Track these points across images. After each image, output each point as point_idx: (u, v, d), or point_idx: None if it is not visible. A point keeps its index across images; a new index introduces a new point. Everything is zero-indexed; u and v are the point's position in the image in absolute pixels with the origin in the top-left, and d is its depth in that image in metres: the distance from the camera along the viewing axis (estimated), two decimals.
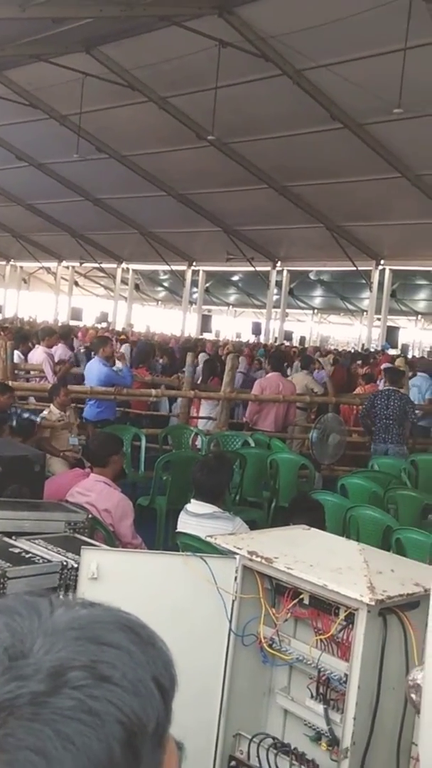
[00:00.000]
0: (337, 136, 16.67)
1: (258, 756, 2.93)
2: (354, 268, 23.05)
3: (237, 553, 2.90)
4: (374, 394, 9.34)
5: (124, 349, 14.31)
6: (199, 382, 11.03)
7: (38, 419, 7.50)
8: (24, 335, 13.10)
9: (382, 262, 22.86)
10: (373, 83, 14.05)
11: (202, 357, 10.00)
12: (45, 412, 7.82)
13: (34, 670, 0.57)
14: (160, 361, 14.08)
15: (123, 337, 18.93)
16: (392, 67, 12.89)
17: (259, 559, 2.81)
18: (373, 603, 2.50)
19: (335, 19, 12.62)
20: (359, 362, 15.94)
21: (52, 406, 7.82)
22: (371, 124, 16.26)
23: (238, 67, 14.88)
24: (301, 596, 2.82)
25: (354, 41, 13.51)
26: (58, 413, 7.76)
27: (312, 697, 2.85)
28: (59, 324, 23.69)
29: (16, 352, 10.16)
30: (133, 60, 16.51)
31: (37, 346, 10.82)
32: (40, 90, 19.09)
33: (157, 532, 6.72)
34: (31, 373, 10.50)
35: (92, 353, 10.24)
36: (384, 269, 23.08)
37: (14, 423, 6.85)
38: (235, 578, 2.94)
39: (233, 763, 3.01)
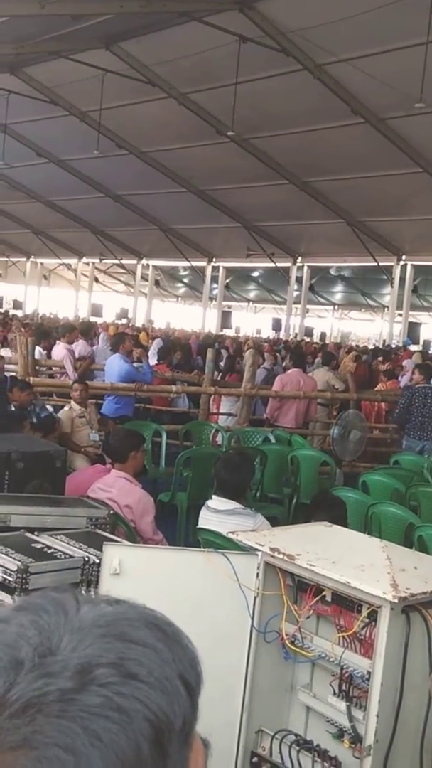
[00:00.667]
0: (357, 131, 16.59)
1: (280, 752, 2.93)
2: (375, 264, 22.93)
3: (259, 550, 2.89)
4: (411, 390, 9.32)
5: (156, 343, 14.37)
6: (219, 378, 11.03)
7: (58, 416, 7.54)
8: (45, 332, 13.15)
9: (403, 257, 22.72)
10: (395, 78, 13.97)
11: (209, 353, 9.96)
12: (66, 408, 7.85)
13: (62, 667, 0.57)
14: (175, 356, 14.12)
15: (144, 334, 18.94)
16: (414, 61, 12.81)
17: (281, 556, 2.80)
18: (396, 600, 2.49)
19: (356, 13, 12.54)
20: (380, 358, 15.86)
21: (72, 402, 7.85)
22: (392, 119, 16.16)
23: (258, 62, 14.84)
24: (323, 593, 2.81)
25: (375, 35, 13.42)
26: (78, 409, 7.79)
27: (334, 694, 2.84)
28: (80, 320, 23.79)
29: (38, 349, 10.20)
30: (153, 56, 16.51)
31: (58, 342, 10.86)
32: (61, 87, 19.14)
33: (178, 528, 6.72)
34: (53, 369, 10.54)
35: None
36: (405, 264, 22.93)
37: (35, 419, 6.88)
38: (257, 575, 2.93)
39: (255, 759, 3.01)
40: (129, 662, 0.58)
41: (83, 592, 3.31)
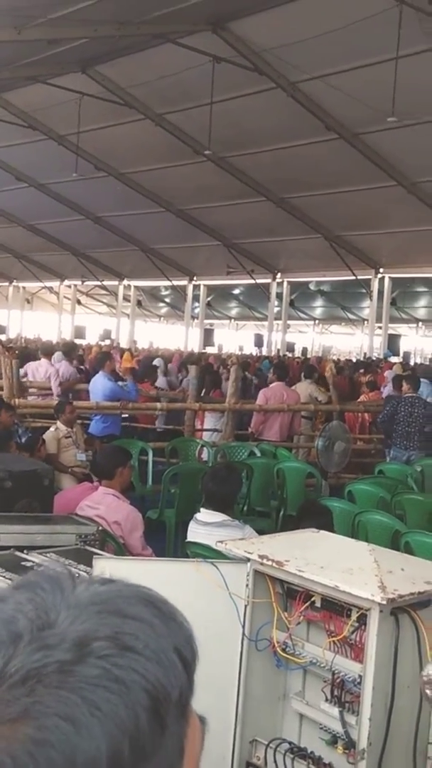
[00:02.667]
0: (332, 146, 16.76)
1: (275, 761, 2.94)
2: (353, 278, 23.10)
3: (248, 558, 2.92)
4: (397, 400, 9.36)
5: (157, 362, 14.48)
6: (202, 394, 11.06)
7: (44, 437, 7.54)
8: (29, 354, 13.16)
9: (381, 270, 22.92)
10: (367, 93, 14.14)
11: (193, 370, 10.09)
12: (51, 429, 7.85)
13: (60, 639, 0.58)
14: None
15: (128, 354, 18.96)
16: (385, 76, 12.99)
17: (270, 563, 2.83)
18: (384, 602, 2.52)
19: (327, 31, 12.70)
20: (362, 371, 15.96)
21: (58, 422, 7.85)
22: (366, 134, 16.34)
23: (232, 81, 15.00)
24: (312, 599, 2.83)
25: (346, 52, 13.61)
26: (65, 429, 7.79)
27: (327, 700, 2.86)
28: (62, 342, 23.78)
29: (22, 370, 10.19)
30: (128, 78, 16.64)
31: (42, 360, 10.83)
32: (38, 111, 19.23)
33: (167, 544, 6.73)
34: (30, 390, 10.48)
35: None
36: (383, 277, 23.13)
37: (20, 439, 6.88)
38: (247, 583, 2.96)
39: None
40: (125, 636, 0.60)
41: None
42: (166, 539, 6.80)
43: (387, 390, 12.25)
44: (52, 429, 7.86)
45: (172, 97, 16.77)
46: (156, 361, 14.63)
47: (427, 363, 25.48)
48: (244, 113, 16.41)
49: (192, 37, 14.34)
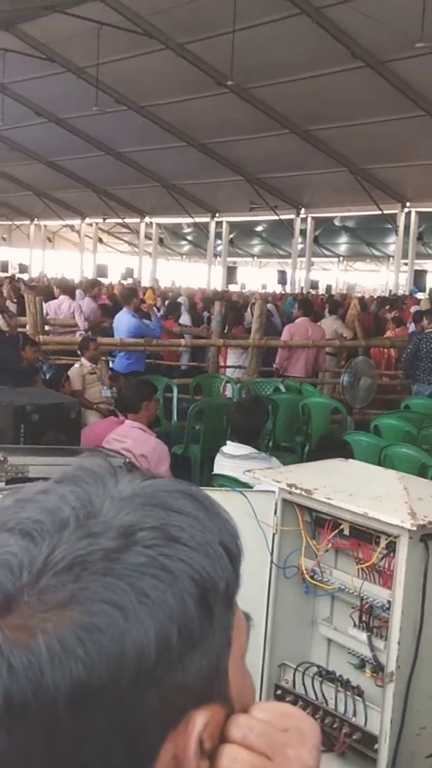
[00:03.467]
0: (359, 75, 16.30)
1: (303, 684, 2.98)
2: (379, 212, 22.69)
3: (276, 486, 2.92)
4: (419, 336, 9.28)
5: (182, 299, 14.46)
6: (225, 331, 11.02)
7: (68, 373, 7.57)
8: (52, 292, 13.15)
9: (407, 204, 22.46)
10: (394, 18, 13.68)
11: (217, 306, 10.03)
12: (76, 366, 7.87)
13: (105, 527, 0.58)
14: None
15: (151, 292, 18.90)
16: (413, 1, 12.53)
17: (298, 491, 2.83)
18: (414, 528, 2.51)
19: None
20: (387, 307, 15.80)
21: (83, 359, 7.86)
22: (394, 61, 15.87)
23: (255, 8, 14.55)
24: (341, 527, 2.84)
25: None
26: (89, 366, 7.80)
27: (355, 625, 2.88)
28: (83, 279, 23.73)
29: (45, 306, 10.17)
30: (148, 6, 16.19)
31: (61, 297, 10.82)
32: (56, 42, 18.82)
33: (192, 479, 6.78)
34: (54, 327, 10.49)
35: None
36: (410, 212, 22.67)
37: (45, 376, 6.91)
38: (275, 511, 2.96)
39: (279, 692, 3.07)
40: (171, 527, 0.59)
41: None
42: (192, 474, 6.85)
43: (413, 326, 12.13)
44: (76, 365, 7.89)
45: (192, 26, 16.33)
46: (180, 299, 14.58)
47: None
48: (268, 42, 15.94)
49: None
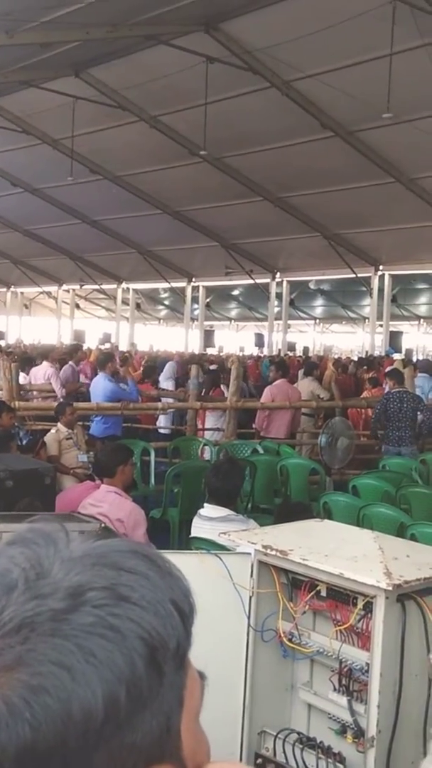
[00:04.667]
0: (328, 144, 16.75)
1: (284, 752, 2.92)
2: (353, 275, 23.08)
3: (252, 548, 2.90)
4: (386, 397, 9.30)
5: (169, 365, 14.48)
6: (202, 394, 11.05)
7: (44, 439, 7.52)
8: (29, 359, 13.17)
9: (381, 267, 22.90)
10: (362, 90, 14.15)
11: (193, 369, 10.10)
12: (52, 431, 7.83)
13: (53, 589, 0.58)
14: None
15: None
16: (379, 73, 12.97)
17: (274, 552, 2.81)
18: (390, 588, 2.50)
19: (320, 29, 12.70)
20: (365, 367, 15.95)
21: (59, 424, 7.83)
22: (362, 131, 16.34)
23: (226, 81, 14.99)
24: (318, 588, 2.81)
25: (340, 50, 13.61)
26: (65, 431, 7.77)
27: (335, 689, 2.84)
28: (63, 345, 23.78)
29: (22, 375, 10.19)
30: (122, 80, 16.64)
31: (42, 363, 10.85)
32: (32, 116, 19.24)
33: (171, 543, 6.70)
34: (34, 393, 10.50)
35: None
36: (383, 275, 23.11)
37: (21, 442, 6.87)
38: (251, 574, 2.94)
39: (260, 760, 2.99)
40: (121, 587, 0.59)
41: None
42: (170, 538, 6.77)
43: (389, 387, 12.23)
44: (53, 431, 7.84)
45: (166, 99, 16.77)
46: (168, 365, 14.62)
47: (429, 358, 25.43)
48: (239, 113, 16.41)
49: (185, 38, 14.34)
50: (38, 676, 0.54)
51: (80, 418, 8.46)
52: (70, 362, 11.78)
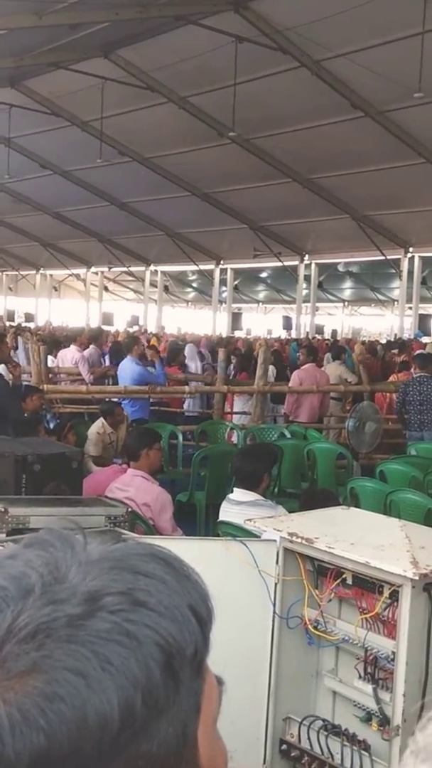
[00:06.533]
0: (358, 125, 16.56)
1: (309, 738, 2.92)
2: (383, 258, 22.86)
3: (277, 535, 2.89)
4: (406, 383, 9.22)
5: (189, 347, 14.44)
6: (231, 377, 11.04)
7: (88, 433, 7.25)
8: (56, 341, 13.23)
9: (410, 249, 22.63)
10: (393, 69, 13.94)
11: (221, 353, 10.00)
12: (98, 424, 7.53)
13: (70, 594, 0.57)
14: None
15: (155, 339, 18.97)
16: (411, 51, 12.79)
17: (299, 540, 2.80)
18: (417, 578, 2.48)
19: (351, 7, 12.52)
20: (395, 351, 15.81)
21: (102, 419, 7.59)
22: (392, 111, 16.12)
23: (256, 61, 14.85)
24: (343, 576, 2.80)
25: (371, 28, 13.41)
26: (109, 431, 7.50)
27: (360, 677, 2.83)
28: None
29: (50, 357, 10.25)
30: (151, 62, 16.56)
31: (70, 346, 10.91)
32: (61, 97, 19.23)
33: (197, 527, 6.73)
34: (61, 376, 10.55)
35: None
36: (413, 257, 22.84)
37: (48, 425, 6.90)
38: (277, 561, 2.93)
39: (284, 746, 3.00)
40: (138, 592, 0.58)
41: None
42: (197, 521, 6.80)
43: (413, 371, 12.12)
44: (97, 424, 7.52)
45: (195, 80, 16.66)
46: (188, 347, 14.62)
47: None
48: (268, 93, 16.26)
49: (214, 17, 14.21)
50: (53, 683, 0.53)
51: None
52: (92, 345, 11.78)
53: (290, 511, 5.52)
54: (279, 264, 26.00)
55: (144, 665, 0.55)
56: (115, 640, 0.55)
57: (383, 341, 22.32)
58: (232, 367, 11.62)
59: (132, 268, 31.49)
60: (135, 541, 0.66)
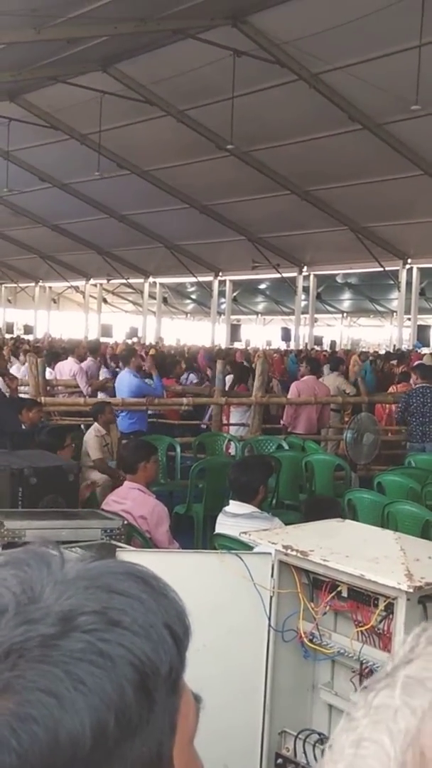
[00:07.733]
0: (356, 137, 16.63)
1: (305, 752, 2.91)
2: (381, 269, 22.91)
3: (272, 548, 2.89)
4: (408, 393, 9.22)
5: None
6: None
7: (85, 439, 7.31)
8: (55, 353, 13.24)
9: (408, 260, 22.70)
10: (390, 82, 14.01)
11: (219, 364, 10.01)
12: (92, 432, 7.53)
13: (44, 614, 0.57)
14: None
15: (154, 351, 18.97)
16: (408, 64, 12.83)
17: (294, 553, 2.80)
18: (411, 590, 2.47)
19: (348, 21, 12.61)
20: (394, 362, 15.83)
21: (96, 424, 7.66)
22: (390, 123, 16.18)
23: (253, 75, 14.93)
24: (338, 589, 2.80)
25: (368, 41, 13.48)
26: (102, 431, 7.57)
27: (356, 690, 2.82)
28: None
29: (48, 370, 10.24)
30: (149, 75, 16.64)
31: (68, 359, 10.91)
32: (60, 111, 19.31)
33: (195, 539, 6.72)
34: (59, 389, 10.54)
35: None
36: (411, 268, 22.90)
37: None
38: (272, 574, 2.93)
39: (280, 760, 2.99)
40: (112, 611, 0.58)
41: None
42: (194, 534, 6.79)
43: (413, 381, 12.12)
44: (92, 431, 7.52)
45: (193, 93, 16.74)
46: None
47: None
48: (266, 106, 16.33)
49: (212, 31, 14.29)
50: (26, 704, 0.53)
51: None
52: (90, 357, 11.79)
53: (288, 523, 5.52)
54: (278, 275, 26.05)
55: (117, 685, 0.55)
56: (88, 660, 0.55)
57: (382, 352, 22.34)
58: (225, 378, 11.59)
59: (131, 280, 31.55)
60: (113, 559, 0.65)
